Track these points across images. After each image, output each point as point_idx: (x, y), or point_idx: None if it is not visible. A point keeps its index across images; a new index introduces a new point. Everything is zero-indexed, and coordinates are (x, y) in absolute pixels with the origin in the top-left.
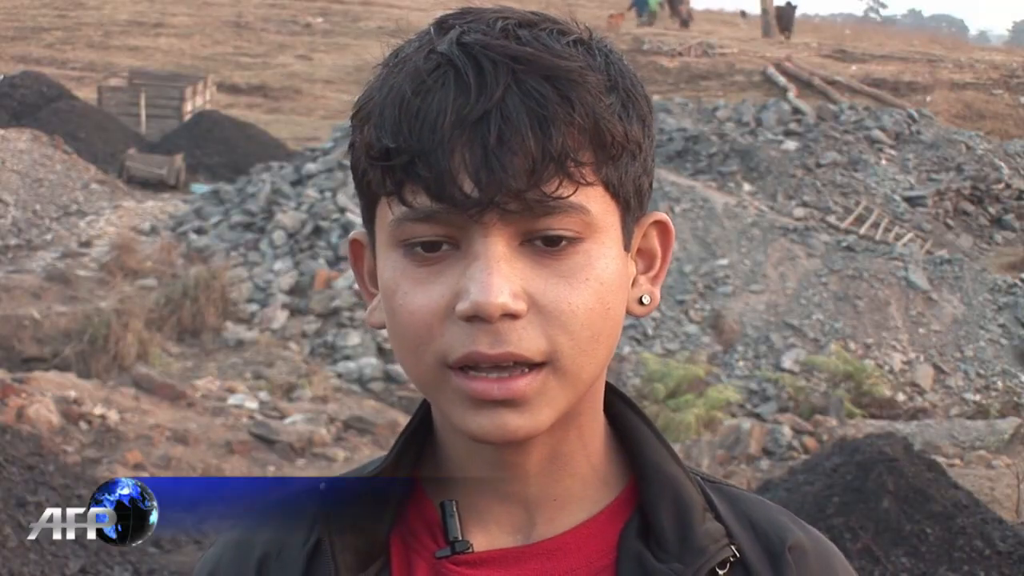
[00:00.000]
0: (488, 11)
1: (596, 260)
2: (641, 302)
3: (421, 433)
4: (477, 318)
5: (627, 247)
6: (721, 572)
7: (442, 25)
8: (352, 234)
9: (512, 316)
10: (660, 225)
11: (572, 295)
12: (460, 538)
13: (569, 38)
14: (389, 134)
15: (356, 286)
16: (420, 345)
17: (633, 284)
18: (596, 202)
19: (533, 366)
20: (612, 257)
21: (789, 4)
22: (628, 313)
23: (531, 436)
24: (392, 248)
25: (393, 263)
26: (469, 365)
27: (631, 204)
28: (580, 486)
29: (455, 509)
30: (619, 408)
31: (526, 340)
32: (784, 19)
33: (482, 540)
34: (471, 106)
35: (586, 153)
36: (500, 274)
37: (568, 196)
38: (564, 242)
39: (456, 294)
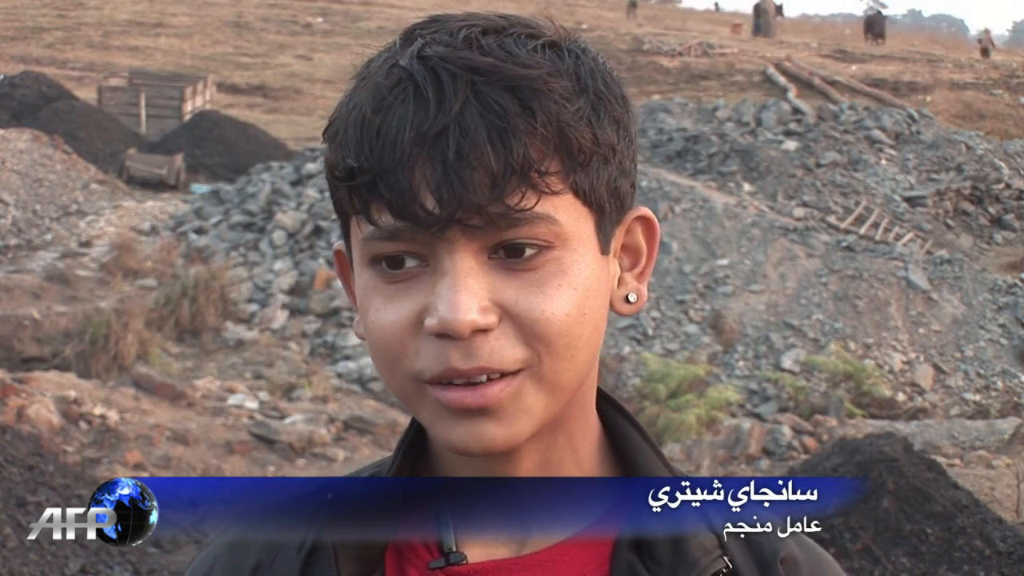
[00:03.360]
0: (455, 19)
1: (569, 267)
2: (628, 300)
3: (418, 443)
4: (447, 335)
5: (605, 251)
6: None
7: (408, 36)
8: (336, 245)
9: (483, 330)
10: (644, 220)
11: (545, 303)
12: (455, 549)
13: (537, 42)
14: (352, 153)
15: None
16: (394, 360)
17: (619, 283)
18: (565, 210)
19: (507, 374)
20: (586, 263)
21: (878, 12)
22: (616, 312)
23: (511, 446)
24: (364, 266)
25: (365, 280)
26: (444, 381)
27: (606, 208)
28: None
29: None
30: (610, 414)
31: (498, 352)
32: (876, 26)
33: (476, 551)
34: (430, 122)
35: (552, 162)
36: (467, 290)
37: (532, 207)
38: (531, 251)
39: (424, 309)
